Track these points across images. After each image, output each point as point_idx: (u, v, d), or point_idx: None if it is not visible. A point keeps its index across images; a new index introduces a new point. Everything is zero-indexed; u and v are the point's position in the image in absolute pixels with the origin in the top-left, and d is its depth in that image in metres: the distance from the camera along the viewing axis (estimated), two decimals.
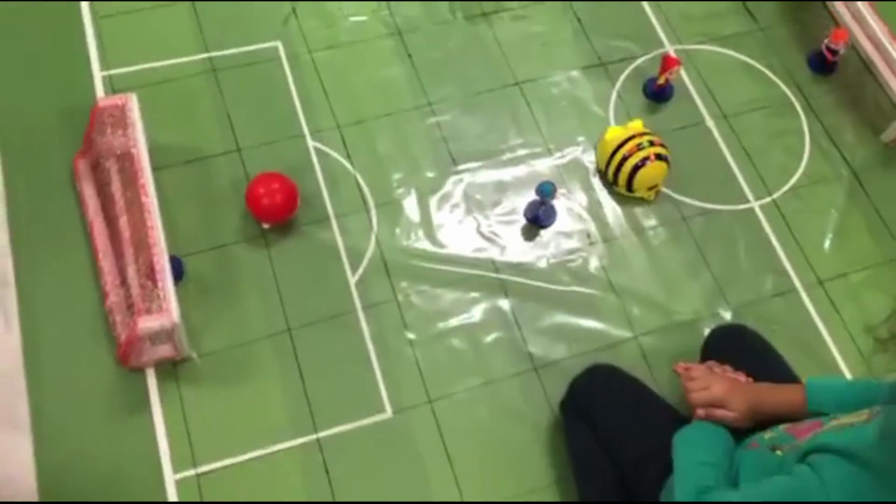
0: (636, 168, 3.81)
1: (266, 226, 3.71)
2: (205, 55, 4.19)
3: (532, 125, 4.17)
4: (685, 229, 3.98)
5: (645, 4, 4.60)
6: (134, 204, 3.43)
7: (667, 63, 4.14)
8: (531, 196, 3.87)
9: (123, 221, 3.50)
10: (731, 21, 4.61)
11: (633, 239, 3.94)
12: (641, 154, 3.80)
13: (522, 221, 3.93)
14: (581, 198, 4.01)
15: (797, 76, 4.48)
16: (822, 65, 4.46)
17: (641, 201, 3.97)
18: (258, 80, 4.16)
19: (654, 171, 3.72)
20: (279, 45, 4.27)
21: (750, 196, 4.11)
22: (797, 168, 4.22)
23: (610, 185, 3.98)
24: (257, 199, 3.41)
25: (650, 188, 3.79)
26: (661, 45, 4.49)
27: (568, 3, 4.55)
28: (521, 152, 4.11)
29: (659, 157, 3.83)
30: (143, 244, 3.33)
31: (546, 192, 3.69)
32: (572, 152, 4.13)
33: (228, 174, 3.90)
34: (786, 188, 4.16)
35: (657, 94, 4.28)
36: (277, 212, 3.66)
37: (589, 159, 4.10)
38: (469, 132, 4.11)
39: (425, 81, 4.25)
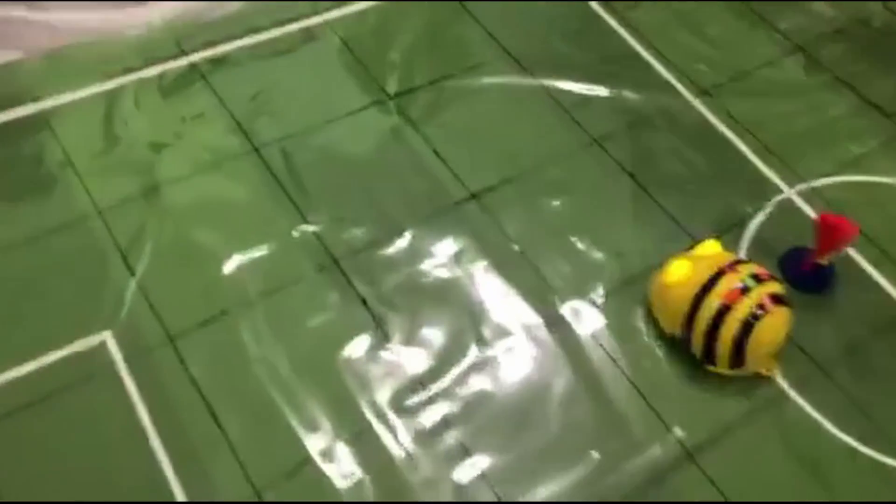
0: (748, 325, 2.05)
1: None
2: None
3: None
4: None
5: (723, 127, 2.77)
6: None
7: (834, 232, 2.27)
8: None
9: None
10: (860, 129, 2.83)
11: None
12: (749, 301, 2.05)
13: None
14: None
15: None
16: None
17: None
18: (76, 411, 2.06)
19: (774, 323, 2.21)
20: (108, 337, 2.18)
21: None
22: None
23: (697, 362, 2.08)
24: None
25: (771, 354, 2.14)
26: (774, 187, 2.64)
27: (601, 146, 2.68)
28: None
29: (776, 298, 2.11)
30: None
31: None
32: None
33: None
34: None
35: (813, 278, 2.40)
36: None
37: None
38: None
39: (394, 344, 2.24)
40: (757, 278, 2.19)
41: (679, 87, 2.91)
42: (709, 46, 3.04)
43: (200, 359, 2.19)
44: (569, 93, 2.85)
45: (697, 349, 2.21)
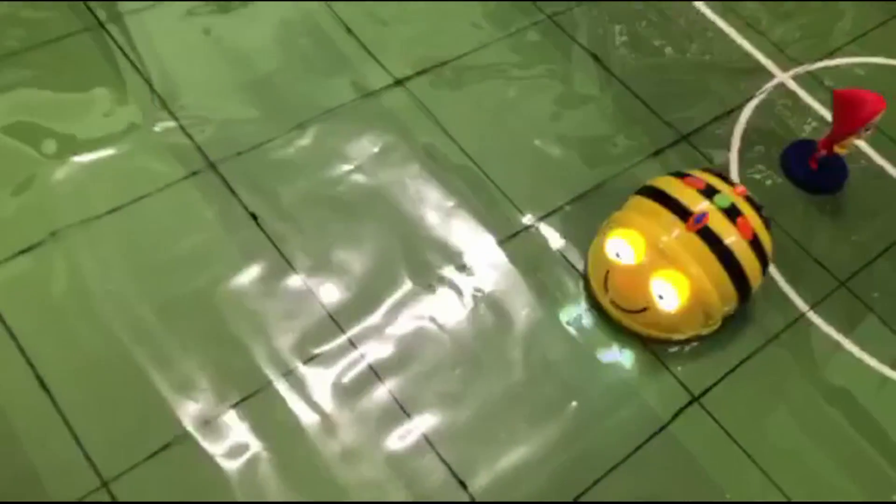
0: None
1: None
2: None
3: None
4: None
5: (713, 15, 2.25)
6: None
7: (860, 110, 1.80)
8: None
9: None
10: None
11: None
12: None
13: None
14: None
15: None
16: None
17: None
18: None
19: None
20: None
21: None
22: None
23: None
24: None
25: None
26: (767, 72, 2.14)
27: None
28: None
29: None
30: None
31: None
32: None
33: None
34: None
35: (816, 176, 1.93)
36: None
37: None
38: None
39: None
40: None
41: None
42: None
43: (20, 302, 1.54)
44: None
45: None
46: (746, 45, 2.26)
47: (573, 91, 2.09)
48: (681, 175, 1.71)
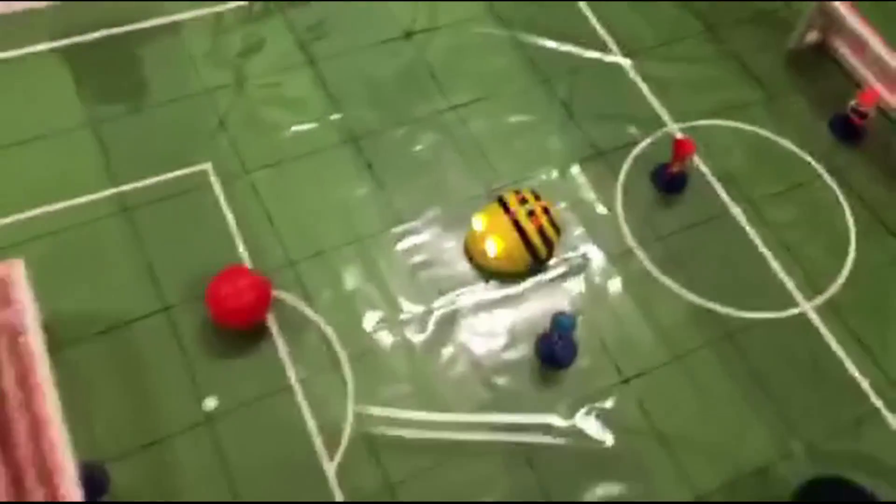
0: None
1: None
2: (114, 190, 3.35)
3: None
4: (731, 348, 3.25)
5: (639, 81, 3.93)
6: (31, 406, 2.54)
7: (681, 148, 3.49)
8: (540, 325, 3.10)
9: (20, 430, 2.59)
10: (737, 90, 3.99)
11: (673, 368, 3.19)
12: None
13: (534, 360, 3.14)
14: (600, 322, 3.24)
15: (821, 145, 3.86)
16: (848, 131, 3.85)
17: (675, 317, 3.25)
18: (185, 214, 3.34)
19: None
20: (209, 167, 3.46)
21: (798, 297, 3.40)
22: (846, 255, 3.54)
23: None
24: (221, 301, 2.95)
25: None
26: (663, 124, 3.83)
27: (549, 85, 3.86)
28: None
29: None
30: (45, 465, 2.44)
31: (565, 326, 2.94)
32: (581, 265, 3.39)
33: (156, 342, 3.03)
34: (838, 282, 3.46)
35: (671, 183, 3.60)
36: (248, 313, 3.00)
37: (600, 270, 3.36)
38: (453, 253, 3.33)
39: (393, 196, 3.48)
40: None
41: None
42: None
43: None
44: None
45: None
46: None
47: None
48: (517, 192, 3.28)
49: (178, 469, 2.80)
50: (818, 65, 4.09)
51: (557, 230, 3.30)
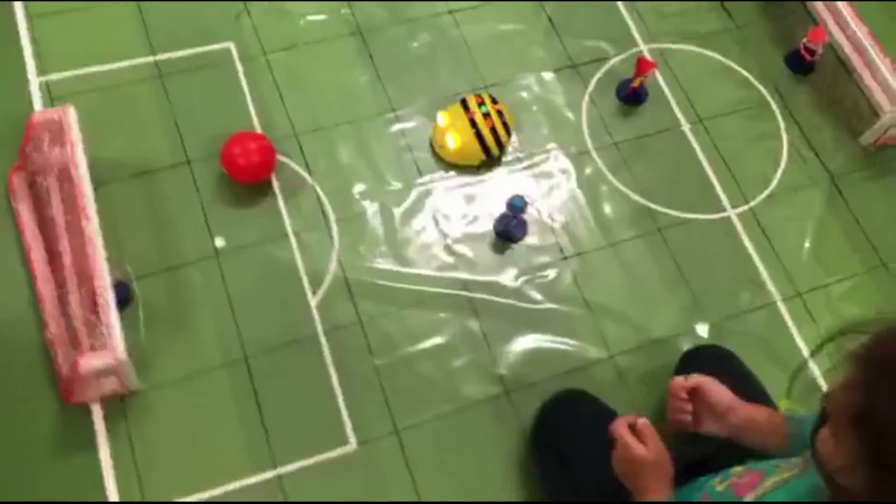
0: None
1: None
2: (151, 58, 3.92)
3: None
4: (661, 241, 3.83)
5: (619, 4, 4.40)
6: (75, 227, 3.18)
7: (642, 66, 3.97)
8: (501, 209, 3.67)
9: (64, 245, 3.25)
10: (707, 19, 4.45)
11: (608, 252, 3.78)
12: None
13: (492, 235, 3.73)
14: (553, 209, 3.83)
15: (775, 77, 4.34)
16: (800, 65, 4.32)
17: (617, 212, 3.82)
18: (209, 85, 3.91)
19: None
20: (231, 46, 4.00)
21: (727, 204, 3.97)
22: (775, 174, 4.08)
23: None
24: (233, 158, 3.54)
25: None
26: (635, 44, 4.33)
27: (539, 2, 4.33)
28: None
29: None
30: (85, 272, 3.09)
31: (517, 206, 3.50)
32: (543, 160, 3.94)
33: (177, 188, 3.65)
34: (763, 195, 4.02)
35: (631, 97, 4.12)
36: (254, 171, 3.60)
37: (560, 167, 3.92)
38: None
39: (389, 85, 4.02)
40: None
41: None
42: None
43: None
44: None
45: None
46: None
47: None
48: (477, 95, 3.74)
49: (190, 290, 3.45)
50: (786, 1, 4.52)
51: (508, 131, 3.80)
